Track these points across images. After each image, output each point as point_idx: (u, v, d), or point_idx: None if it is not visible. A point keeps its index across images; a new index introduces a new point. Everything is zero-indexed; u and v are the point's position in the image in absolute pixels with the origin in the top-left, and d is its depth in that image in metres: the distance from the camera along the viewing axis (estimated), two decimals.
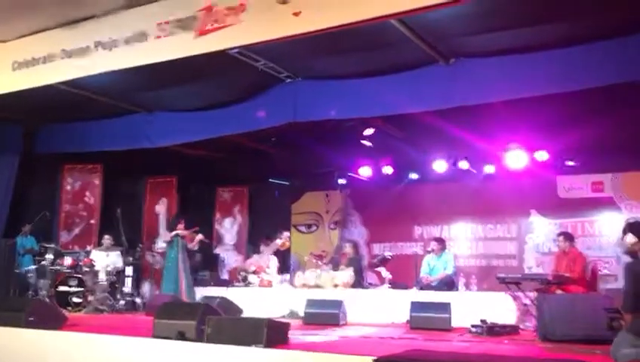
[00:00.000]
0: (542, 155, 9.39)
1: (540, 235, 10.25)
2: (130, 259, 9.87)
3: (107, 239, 9.80)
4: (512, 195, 10.20)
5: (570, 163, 9.64)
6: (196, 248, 9.76)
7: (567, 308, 5.71)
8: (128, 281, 9.70)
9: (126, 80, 7.24)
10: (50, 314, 6.25)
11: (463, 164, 10.15)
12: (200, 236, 9.58)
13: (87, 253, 9.71)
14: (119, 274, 9.61)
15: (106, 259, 9.38)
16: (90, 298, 8.99)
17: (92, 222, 10.68)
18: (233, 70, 7.07)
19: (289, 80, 7.51)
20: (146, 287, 10.88)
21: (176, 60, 5.81)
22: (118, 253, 9.66)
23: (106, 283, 9.19)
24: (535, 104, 7.16)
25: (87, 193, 10.79)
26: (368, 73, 7.06)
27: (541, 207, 10.21)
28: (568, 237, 7.91)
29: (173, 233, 9.16)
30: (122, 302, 9.36)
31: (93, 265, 9.28)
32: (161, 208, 11.21)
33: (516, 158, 9.49)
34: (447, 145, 9.80)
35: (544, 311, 5.82)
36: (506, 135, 9.05)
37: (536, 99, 6.54)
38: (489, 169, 10.26)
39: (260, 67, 7.02)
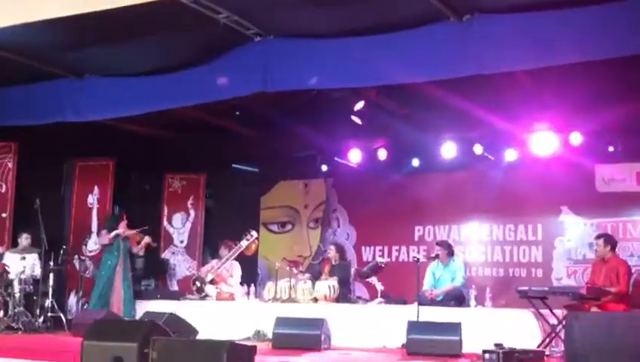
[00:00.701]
0: (576, 138, 9.47)
1: (572, 238, 10.37)
2: (52, 264, 9.80)
3: (25, 239, 9.74)
4: (539, 188, 10.29)
5: (612, 148, 9.74)
6: (142, 253, 9.73)
7: (605, 330, 5.78)
8: (49, 293, 9.64)
9: (47, 34, 7.15)
10: None
11: (478, 149, 10.20)
12: (148, 239, 9.57)
13: None
14: (37, 283, 9.55)
15: (20, 264, 9.31)
16: (0, 313, 8.91)
17: (4, 215, 10.56)
18: (187, 24, 7.01)
19: (258, 38, 7.48)
20: (72, 301, 10.82)
21: (112, 10, 5.74)
22: (36, 255, 9.60)
23: (20, 294, 9.12)
24: (569, 74, 7.23)
25: None
26: (359, 31, 7.05)
27: (574, 202, 10.32)
28: (610, 240, 8.00)
29: (113, 233, 9.11)
30: (42, 319, 9.31)
31: (6, 272, 9.22)
32: (93, 200, 11.16)
33: (544, 142, 9.57)
34: (458, 125, 9.86)
35: (575, 333, 5.89)
36: (532, 113, 9.12)
37: (570, 67, 6.59)
38: (510, 155, 10.34)
39: (222, 21, 6.97)
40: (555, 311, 7.27)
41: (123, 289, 9.23)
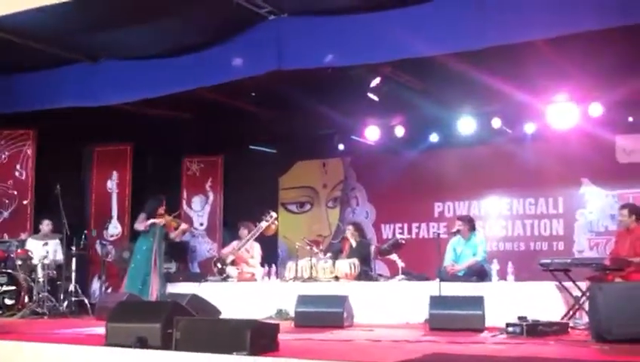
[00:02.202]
0: (596, 109, 9.40)
1: (593, 210, 10.31)
2: (74, 249, 9.89)
3: (46, 225, 9.82)
4: (559, 161, 10.24)
5: (632, 119, 9.65)
6: (178, 240, 9.74)
7: (629, 301, 5.75)
8: (72, 277, 9.73)
9: (61, 18, 7.15)
10: None
11: (496, 123, 10.15)
12: (185, 226, 9.61)
13: (21, 243, 9.75)
14: (60, 268, 9.64)
15: (43, 250, 9.40)
16: (25, 299, 9.02)
17: (25, 202, 10.69)
18: (201, 4, 6.98)
19: (272, 16, 7.45)
20: (95, 285, 10.93)
21: None
22: (58, 241, 9.68)
23: (44, 279, 9.22)
24: (588, 43, 7.13)
25: (18, 166, 10.77)
26: (375, 6, 7.00)
27: (595, 174, 10.26)
28: (634, 210, 7.91)
29: (149, 222, 9.09)
30: (66, 304, 9.41)
31: (30, 258, 9.31)
32: (112, 185, 11.22)
33: (563, 114, 9.51)
34: (476, 99, 9.80)
35: (599, 304, 5.86)
36: (551, 84, 9.04)
37: (589, 36, 6.50)
38: (529, 128, 10.30)
39: (235, 0, 6.94)
40: (578, 283, 7.24)
41: (158, 273, 9.24)
